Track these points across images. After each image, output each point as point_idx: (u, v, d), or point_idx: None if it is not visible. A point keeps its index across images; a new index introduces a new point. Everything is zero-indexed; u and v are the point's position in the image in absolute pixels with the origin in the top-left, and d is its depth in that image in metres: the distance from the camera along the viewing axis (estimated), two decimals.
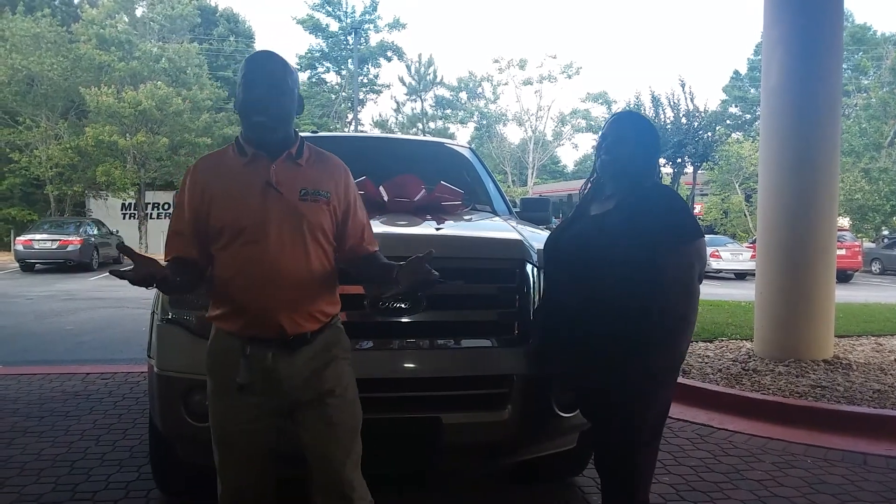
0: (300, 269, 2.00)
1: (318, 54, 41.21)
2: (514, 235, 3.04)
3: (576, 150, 76.08)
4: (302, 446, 2.09)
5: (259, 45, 53.79)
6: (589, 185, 2.57)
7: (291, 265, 1.99)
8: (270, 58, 2.07)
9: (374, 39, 41.06)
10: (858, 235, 28.28)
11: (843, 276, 19.22)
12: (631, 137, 2.39)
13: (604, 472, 2.43)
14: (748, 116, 44.10)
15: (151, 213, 29.18)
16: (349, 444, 2.10)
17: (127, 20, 30.40)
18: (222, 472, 2.16)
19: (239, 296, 2.01)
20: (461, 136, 48.32)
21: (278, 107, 2.04)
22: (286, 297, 1.99)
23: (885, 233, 30.68)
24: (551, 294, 2.52)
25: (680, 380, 5.33)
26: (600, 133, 2.49)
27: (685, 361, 5.98)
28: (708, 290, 15.53)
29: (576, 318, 2.32)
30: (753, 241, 13.89)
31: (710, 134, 26.77)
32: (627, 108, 24.36)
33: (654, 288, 2.19)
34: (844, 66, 11.67)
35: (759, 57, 10.11)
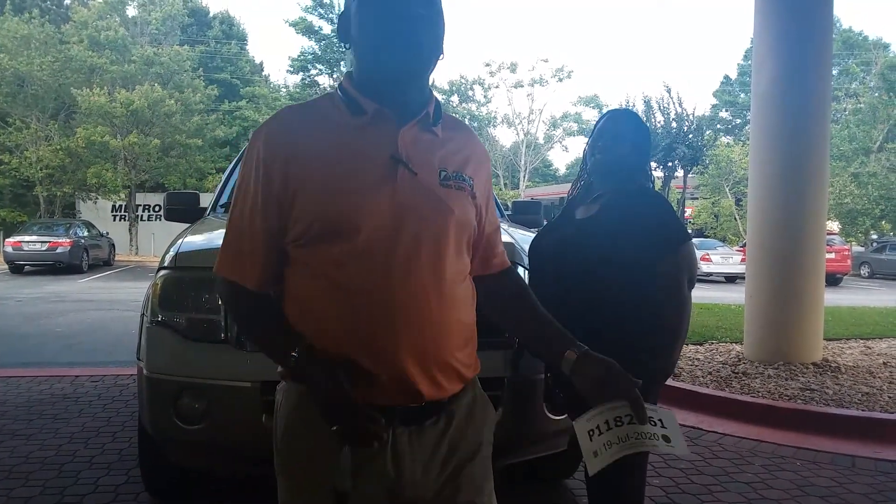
0: (443, 292, 1.27)
1: (310, 57, 41.13)
2: (506, 238, 3.04)
3: (567, 153, 76.43)
4: None
5: (252, 47, 53.65)
6: (578, 186, 2.46)
7: (431, 284, 1.25)
8: None
9: None
10: (848, 239, 28.48)
11: (833, 280, 19.32)
12: (628, 136, 2.28)
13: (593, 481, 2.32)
14: (738, 121, 44.41)
15: (142, 215, 29.06)
16: None
17: (119, 21, 30.29)
18: None
19: (342, 336, 1.23)
20: None
21: (434, 33, 1.29)
22: (422, 336, 1.24)
23: (874, 237, 30.94)
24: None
25: (670, 382, 5.34)
26: (594, 130, 2.35)
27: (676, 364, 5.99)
28: (698, 294, 15.48)
29: (561, 323, 2.25)
30: (743, 245, 13.94)
31: (699, 138, 26.94)
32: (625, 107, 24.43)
33: (641, 296, 2.12)
34: (833, 70, 11.76)
35: (750, 62, 10.18)
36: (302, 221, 1.23)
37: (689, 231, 2.32)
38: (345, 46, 1.36)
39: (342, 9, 1.37)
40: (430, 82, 1.39)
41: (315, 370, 1.21)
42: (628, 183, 2.28)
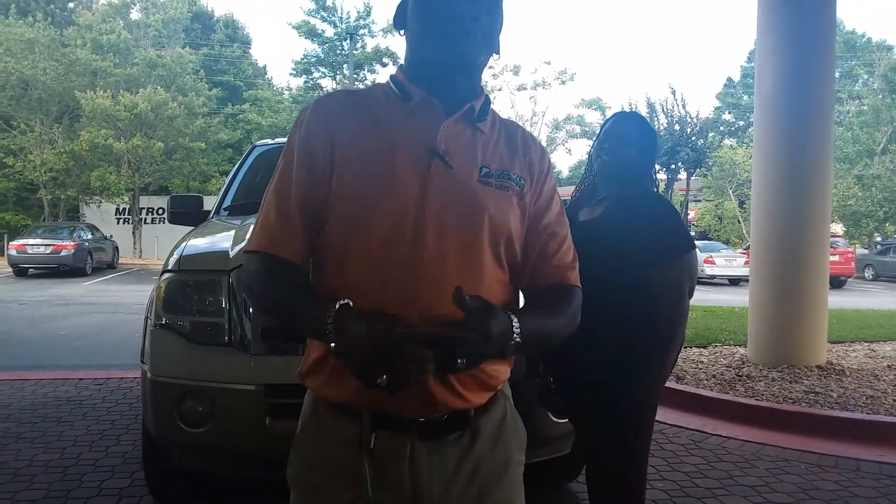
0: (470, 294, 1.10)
1: (313, 59, 41.19)
2: None
3: (570, 155, 76.46)
4: None
5: (255, 51, 53.76)
6: (582, 187, 2.43)
7: (455, 286, 1.07)
8: None
9: (370, 44, 41.07)
10: (851, 242, 28.44)
11: (836, 282, 19.30)
12: (634, 139, 2.24)
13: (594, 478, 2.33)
14: (741, 123, 44.34)
15: (145, 218, 29.12)
16: None
17: (122, 24, 30.39)
18: None
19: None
20: None
21: (486, 33, 1.25)
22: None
23: (878, 239, 30.85)
24: None
25: (673, 385, 5.34)
26: (600, 132, 2.31)
27: (679, 367, 5.98)
28: (702, 296, 15.53)
29: None
30: (747, 247, 13.93)
31: (702, 140, 26.90)
32: (629, 109, 24.37)
33: (638, 302, 2.10)
34: (836, 72, 11.75)
35: (753, 64, 10.16)
36: (336, 200, 1.21)
37: (693, 239, 2.28)
38: (400, 34, 1.32)
39: None
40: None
41: (351, 321, 1.09)
42: (634, 187, 2.25)
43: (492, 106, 1.32)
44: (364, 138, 1.23)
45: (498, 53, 1.29)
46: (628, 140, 2.24)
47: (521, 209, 1.27)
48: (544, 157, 1.36)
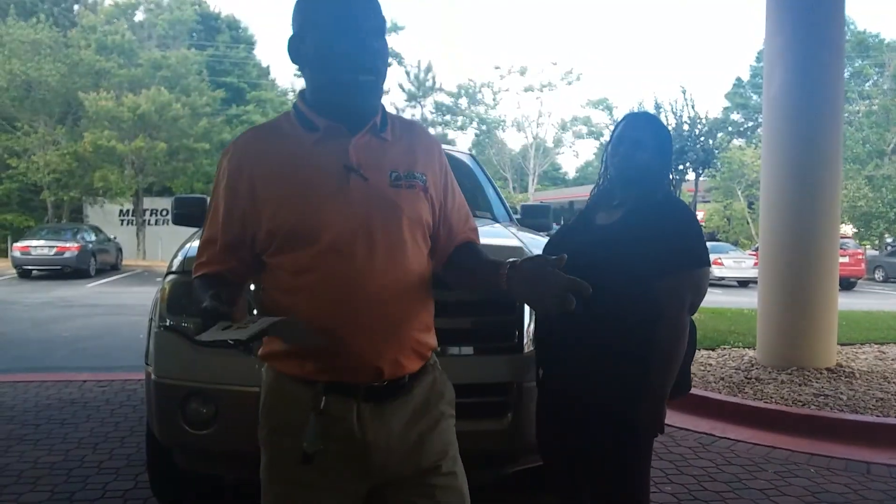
0: (399, 283, 1.42)
1: None
2: (514, 242, 3.02)
3: (577, 157, 76.33)
4: None
5: (259, 52, 53.83)
6: (596, 191, 2.37)
7: (387, 277, 1.40)
8: None
9: None
10: (861, 243, 28.31)
11: (846, 284, 19.21)
12: (650, 142, 2.18)
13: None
14: (750, 123, 44.16)
15: (149, 220, 29.18)
16: None
17: (127, 25, 30.46)
18: None
19: (311, 324, 1.38)
20: (461, 143, 48.45)
21: (383, 62, 1.44)
22: (381, 324, 1.40)
23: (889, 240, 30.69)
24: None
25: None
26: (614, 135, 2.27)
27: None
28: (710, 298, 15.40)
29: (569, 329, 2.11)
30: (756, 249, 13.87)
31: (711, 141, 26.78)
32: (641, 110, 24.25)
33: (644, 311, 2.05)
34: (846, 72, 11.71)
35: (762, 64, 10.12)
36: (268, 231, 1.40)
37: (709, 254, 2.20)
38: (297, 68, 1.49)
39: (291, 31, 1.48)
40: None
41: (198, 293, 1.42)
42: (654, 192, 2.19)
43: (387, 111, 1.51)
44: (281, 170, 1.42)
45: (390, 62, 1.50)
46: (643, 143, 2.18)
47: (429, 200, 1.50)
48: (439, 150, 1.59)
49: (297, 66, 1.49)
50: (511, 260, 1.39)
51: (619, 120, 2.34)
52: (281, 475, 1.49)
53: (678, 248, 2.07)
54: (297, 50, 1.47)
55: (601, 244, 2.15)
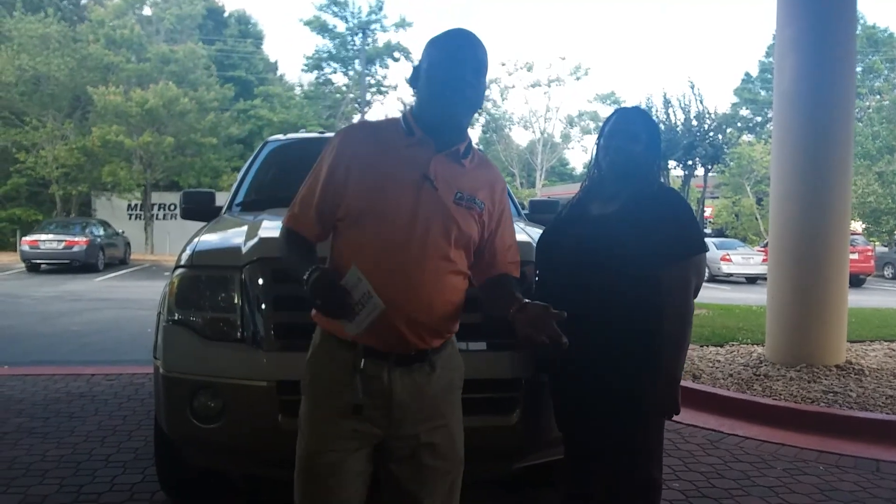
0: (440, 279, 1.75)
1: (325, 55, 41.22)
2: (522, 237, 2.99)
3: (585, 152, 75.92)
4: (387, 490, 1.85)
5: (267, 46, 53.89)
6: (587, 183, 2.43)
7: (431, 273, 1.73)
8: (476, 39, 1.81)
9: (381, 39, 41.06)
10: (871, 239, 28.09)
11: (856, 281, 19.09)
12: (641, 135, 2.27)
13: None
14: (759, 119, 43.87)
15: (157, 214, 29.23)
16: (448, 498, 1.87)
17: (135, 20, 30.49)
18: None
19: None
20: None
21: (476, 95, 1.79)
22: (421, 308, 1.72)
23: None
24: (544, 295, 2.38)
25: (690, 384, 5.29)
26: (604, 129, 2.34)
27: (696, 366, 5.93)
28: (719, 294, 15.48)
29: (571, 316, 2.17)
30: (765, 245, 13.80)
31: (720, 136, 26.57)
32: (644, 105, 24.07)
33: (648, 298, 2.12)
34: (857, 67, 11.61)
35: (771, 59, 10.06)
36: (349, 205, 1.75)
37: (704, 239, 2.30)
38: (413, 89, 1.86)
39: (418, 61, 1.86)
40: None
41: (316, 272, 1.69)
42: (647, 184, 2.27)
43: (474, 146, 1.89)
44: (374, 161, 1.77)
45: (482, 109, 1.86)
46: (636, 136, 2.27)
47: (480, 224, 1.85)
48: (503, 187, 1.96)
49: (412, 89, 1.87)
50: (525, 301, 1.71)
51: (611, 114, 2.41)
52: (324, 422, 1.77)
53: (681, 237, 2.16)
54: (415, 75, 1.83)
55: (602, 232, 2.22)
